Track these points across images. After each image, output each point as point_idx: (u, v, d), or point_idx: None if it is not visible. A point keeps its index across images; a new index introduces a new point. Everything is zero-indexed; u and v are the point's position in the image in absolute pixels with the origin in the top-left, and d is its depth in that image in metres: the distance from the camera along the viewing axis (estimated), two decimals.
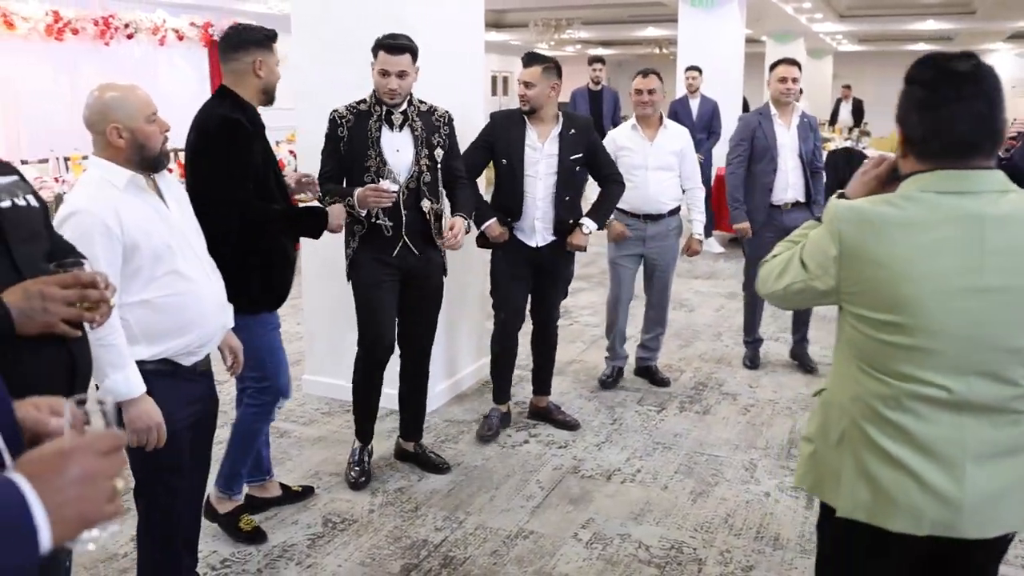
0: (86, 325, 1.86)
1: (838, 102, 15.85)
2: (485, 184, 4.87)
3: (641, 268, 5.17)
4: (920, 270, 1.73)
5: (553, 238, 4.37)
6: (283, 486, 3.83)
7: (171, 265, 2.49)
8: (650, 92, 4.91)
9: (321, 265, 4.79)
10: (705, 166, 9.17)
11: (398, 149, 3.74)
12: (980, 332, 1.74)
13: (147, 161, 2.48)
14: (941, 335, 1.74)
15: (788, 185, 5.23)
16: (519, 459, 4.27)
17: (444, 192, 3.94)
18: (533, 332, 4.71)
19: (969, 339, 1.74)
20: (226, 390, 4.10)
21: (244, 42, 3.26)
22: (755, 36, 18.44)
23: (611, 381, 5.23)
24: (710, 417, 4.83)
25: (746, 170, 5.37)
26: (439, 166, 3.84)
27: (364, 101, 3.79)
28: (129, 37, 10.96)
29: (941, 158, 1.77)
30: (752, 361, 5.68)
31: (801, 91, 5.30)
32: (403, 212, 3.72)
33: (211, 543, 3.46)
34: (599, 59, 9.22)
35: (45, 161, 8.54)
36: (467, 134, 4.38)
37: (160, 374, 2.52)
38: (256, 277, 3.23)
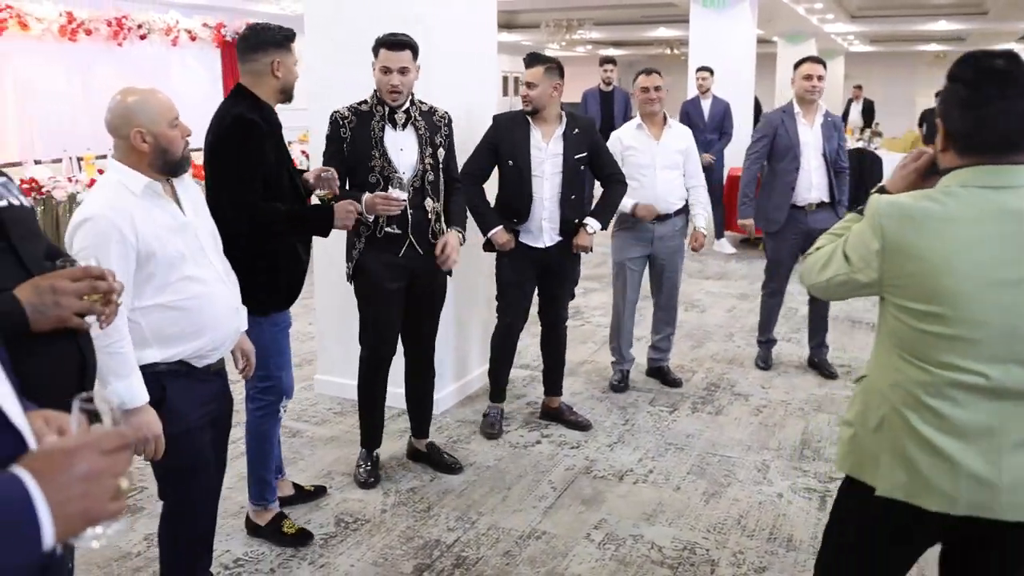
0: (93, 328, 1.87)
1: (849, 102, 15.81)
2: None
3: (646, 270, 5.16)
4: (960, 263, 1.80)
5: (560, 238, 4.38)
6: (296, 485, 3.84)
7: (184, 271, 2.49)
8: (655, 89, 4.90)
9: (332, 265, 4.79)
10: (716, 167, 9.17)
11: (402, 148, 3.73)
12: (1019, 322, 1.80)
13: (169, 165, 2.48)
14: (980, 325, 1.80)
15: (812, 185, 5.20)
16: (531, 459, 4.27)
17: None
18: (542, 334, 4.71)
19: (1008, 329, 1.80)
20: (238, 389, 4.10)
21: (262, 43, 3.27)
22: (766, 37, 18.41)
23: (621, 385, 5.22)
24: (722, 418, 4.82)
25: (764, 167, 5.37)
26: (440, 166, 3.85)
27: (365, 102, 3.77)
28: (142, 38, 11.00)
29: (982, 154, 1.84)
30: (764, 362, 5.66)
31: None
32: (409, 212, 3.71)
33: (225, 542, 3.47)
34: (611, 60, 9.21)
35: (58, 161, 8.57)
36: (480, 134, 4.39)
37: (175, 374, 2.53)
38: (265, 278, 3.23)
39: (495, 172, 4.39)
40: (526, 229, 4.35)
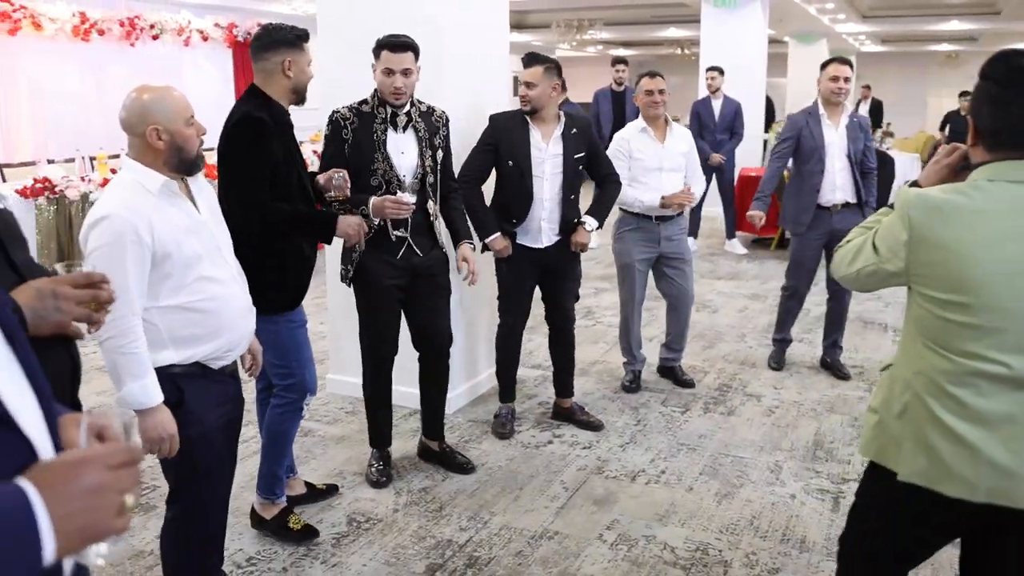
0: (105, 329, 1.86)
1: (857, 103, 15.75)
2: None
3: (651, 272, 5.15)
4: (985, 254, 1.85)
5: (558, 238, 4.38)
6: (307, 484, 3.84)
7: (202, 271, 2.48)
8: (659, 92, 4.89)
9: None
10: (727, 167, 9.15)
11: (403, 151, 3.72)
12: None
13: (185, 164, 2.46)
14: (1003, 315, 1.85)
15: (836, 186, 5.16)
16: (543, 459, 4.26)
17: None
18: (550, 335, 4.70)
19: None
20: (249, 388, 4.11)
21: (274, 42, 3.27)
22: (777, 37, 18.36)
23: (633, 386, 5.21)
24: (734, 418, 4.81)
25: (786, 168, 5.36)
26: (439, 168, 3.85)
27: (366, 102, 3.75)
28: (154, 38, 11.06)
29: (1010, 149, 1.89)
30: (777, 362, 5.63)
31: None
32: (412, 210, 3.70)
33: (237, 541, 3.47)
34: (623, 60, 9.20)
35: (71, 160, 8.61)
36: None
37: (191, 376, 2.52)
38: (272, 278, 3.23)
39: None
40: (524, 230, 4.35)
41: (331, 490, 3.89)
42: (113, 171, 6.44)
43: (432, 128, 3.81)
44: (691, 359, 5.74)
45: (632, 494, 3.91)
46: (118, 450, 1.04)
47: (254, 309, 2.72)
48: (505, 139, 4.26)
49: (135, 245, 2.33)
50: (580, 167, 4.37)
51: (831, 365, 5.52)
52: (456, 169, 4.11)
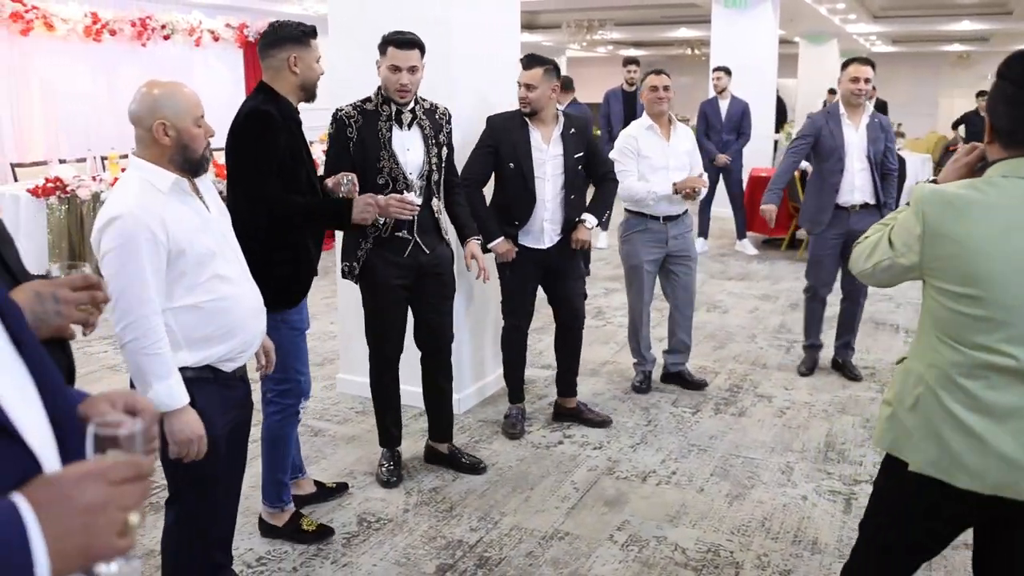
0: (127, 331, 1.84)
1: None
2: None
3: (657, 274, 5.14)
4: (997, 248, 1.89)
5: (560, 237, 4.39)
6: (317, 483, 3.84)
7: (214, 270, 2.45)
8: (664, 89, 4.88)
9: None
10: (734, 167, 9.13)
11: (408, 148, 3.71)
12: None
13: (189, 163, 2.43)
14: (1013, 308, 1.88)
15: (855, 187, 5.12)
16: (554, 460, 4.25)
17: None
18: (557, 334, 4.69)
19: None
20: (257, 389, 4.12)
21: (279, 39, 3.25)
22: (788, 37, 18.31)
23: (643, 387, 5.20)
24: (745, 419, 4.79)
25: (799, 166, 5.34)
26: (444, 165, 3.84)
27: (369, 100, 3.74)
28: (166, 38, 11.09)
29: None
30: (806, 366, 5.55)
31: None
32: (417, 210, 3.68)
33: (247, 540, 3.48)
34: (634, 60, 9.18)
35: (83, 160, 8.65)
36: None
37: (202, 381, 2.48)
38: (277, 274, 3.20)
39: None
40: (527, 231, 4.34)
41: (341, 488, 3.89)
42: (124, 171, 6.48)
43: (436, 125, 3.81)
44: (701, 360, 5.73)
45: (643, 495, 3.90)
46: (122, 463, 0.97)
47: (264, 309, 2.70)
48: (505, 141, 4.25)
49: (150, 243, 2.30)
50: (580, 167, 4.37)
51: (843, 366, 5.50)
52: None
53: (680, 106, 16.99)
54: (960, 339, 1.96)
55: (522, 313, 4.52)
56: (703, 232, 9.41)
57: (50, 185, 7.34)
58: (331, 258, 4.03)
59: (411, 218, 3.60)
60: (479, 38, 4.69)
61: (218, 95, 10.40)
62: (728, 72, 9.30)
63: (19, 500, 0.90)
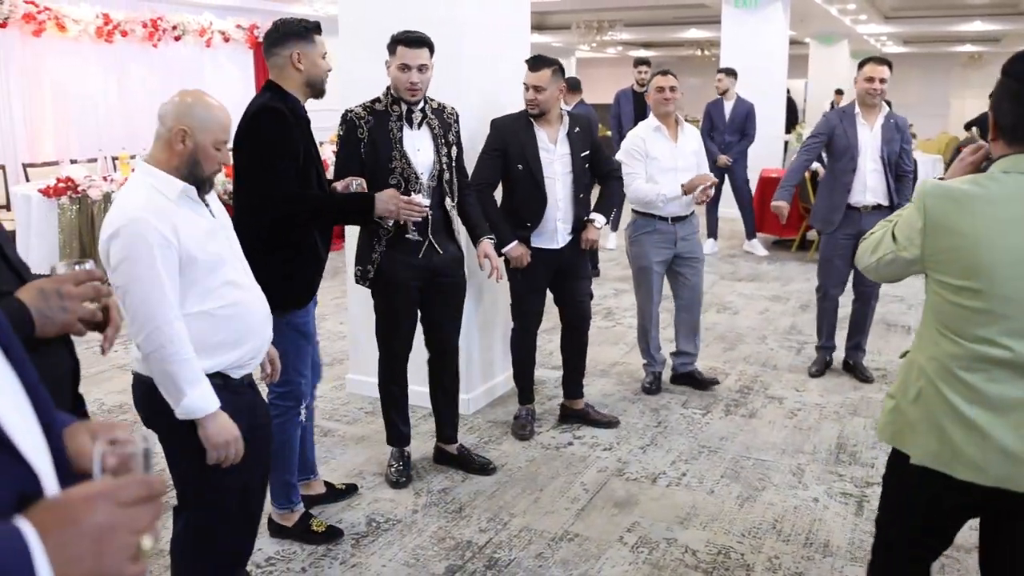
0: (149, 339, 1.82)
1: None
2: None
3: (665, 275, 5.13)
4: (996, 241, 1.93)
5: (571, 237, 4.40)
6: (327, 484, 3.84)
7: (226, 275, 2.42)
8: (671, 90, 4.87)
9: None
10: (738, 168, 9.10)
11: (419, 148, 3.70)
12: None
13: (195, 178, 2.37)
14: (1012, 301, 1.92)
15: (867, 187, 5.09)
16: (563, 461, 4.24)
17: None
18: (563, 334, 4.68)
19: None
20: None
21: (282, 36, 3.23)
22: (799, 38, 18.26)
23: (653, 388, 5.18)
24: (756, 421, 4.77)
25: (812, 163, 5.37)
26: (454, 164, 3.83)
27: (379, 100, 3.72)
28: (176, 39, 11.13)
29: None
30: (819, 369, 5.51)
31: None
32: (428, 213, 3.64)
33: (256, 540, 3.46)
34: (645, 61, 9.16)
35: (94, 160, 8.68)
36: None
37: (214, 388, 2.41)
38: (285, 274, 3.18)
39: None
40: (539, 232, 4.33)
41: (350, 490, 3.88)
42: (135, 171, 6.49)
43: (445, 125, 3.80)
44: (712, 361, 5.71)
45: (653, 496, 3.89)
46: (132, 484, 0.91)
47: (271, 316, 2.64)
48: (513, 143, 4.24)
49: (163, 248, 2.25)
50: (587, 165, 4.37)
51: (853, 367, 5.47)
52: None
53: (690, 107, 16.95)
54: (960, 332, 1.99)
55: (532, 314, 4.51)
56: (712, 233, 9.39)
57: (61, 185, 7.37)
58: (340, 259, 4.03)
59: (420, 219, 3.59)
60: (489, 39, 4.68)
61: (229, 96, 10.37)
62: (731, 73, 9.27)
63: (23, 524, 0.85)
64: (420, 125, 3.72)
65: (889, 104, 5.21)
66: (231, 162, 2.49)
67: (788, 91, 13.20)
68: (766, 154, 11.03)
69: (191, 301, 2.35)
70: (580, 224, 4.39)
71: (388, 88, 3.71)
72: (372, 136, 3.64)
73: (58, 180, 7.43)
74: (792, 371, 5.59)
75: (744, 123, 9.07)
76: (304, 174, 3.23)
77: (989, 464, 1.96)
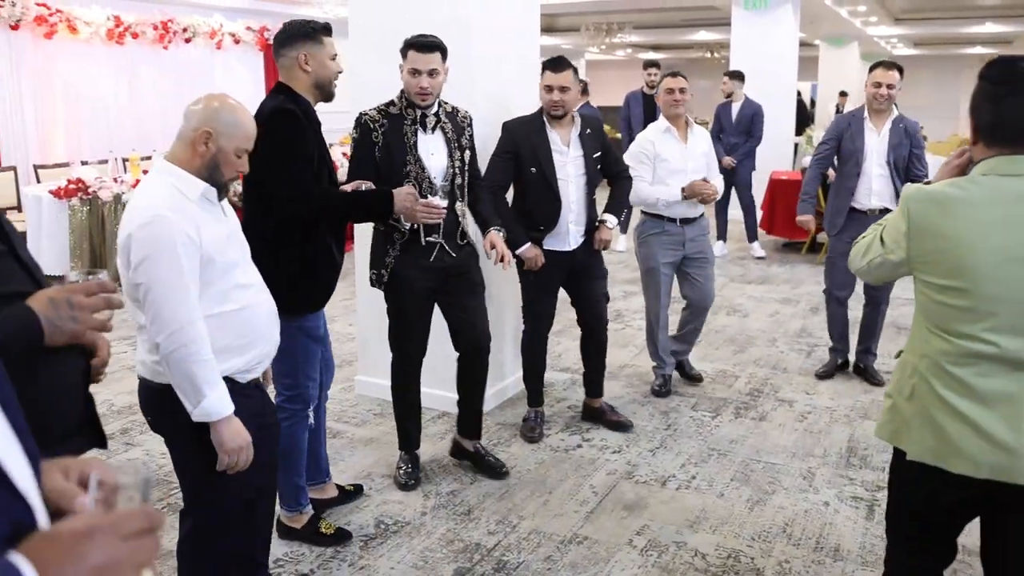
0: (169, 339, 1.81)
1: None
2: None
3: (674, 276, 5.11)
4: (979, 242, 1.99)
5: (583, 238, 4.39)
6: (338, 487, 3.83)
7: (238, 278, 2.41)
8: (680, 91, 4.85)
9: None
10: (743, 170, 9.07)
11: (432, 153, 3.69)
12: None
13: (212, 182, 2.37)
14: (996, 299, 1.99)
15: (872, 192, 5.06)
16: (572, 463, 4.23)
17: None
18: (583, 338, 4.68)
19: (1021, 303, 1.97)
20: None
21: (290, 37, 3.22)
22: (809, 40, 18.22)
23: (662, 390, 5.17)
24: (766, 424, 4.75)
25: (827, 170, 5.41)
26: (467, 168, 3.83)
27: (393, 104, 3.71)
28: (187, 41, 11.16)
29: (1003, 145, 2.03)
30: (827, 371, 5.50)
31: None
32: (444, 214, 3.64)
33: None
34: (655, 63, 9.16)
35: (104, 162, 8.72)
36: None
37: None
38: (302, 275, 3.18)
39: None
40: (553, 234, 4.32)
41: (357, 490, 3.88)
42: (145, 172, 6.51)
43: (458, 128, 3.80)
44: (721, 363, 5.70)
45: (662, 499, 3.87)
46: (133, 515, 0.89)
47: (280, 319, 2.63)
48: (525, 145, 4.23)
49: (187, 247, 2.24)
50: (598, 166, 4.37)
51: (864, 371, 5.45)
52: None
53: (700, 109, 16.92)
54: (948, 329, 2.06)
55: (543, 316, 4.50)
56: (721, 235, 9.37)
57: (72, 186, 7.40)
58: (349, 260, 4.02)
59: (438, 222, 3.58)
60: (499, 41, 4.68)
61: (239, 98, 10.46)
62: (736, 76, 9.27)
63: (19, 560, 0.80)
64: (434, 129, 3.71)
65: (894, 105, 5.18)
66: (248, 171, 2.48)
67: (799, 93, 13.16)
68: (776, 156, 11.00)
69: (205, 303, 2.33)
70: (592, 225, 4.39)
71: (402, 91, 3.70)
72: (387, 140, 3.63)
73: (69, 181, 7.46)
74: (802, 374, 5.57)
75: (750, 124, 9.06)
76: (318, 177, 3.23)
77: (982, 456, 2.02)
